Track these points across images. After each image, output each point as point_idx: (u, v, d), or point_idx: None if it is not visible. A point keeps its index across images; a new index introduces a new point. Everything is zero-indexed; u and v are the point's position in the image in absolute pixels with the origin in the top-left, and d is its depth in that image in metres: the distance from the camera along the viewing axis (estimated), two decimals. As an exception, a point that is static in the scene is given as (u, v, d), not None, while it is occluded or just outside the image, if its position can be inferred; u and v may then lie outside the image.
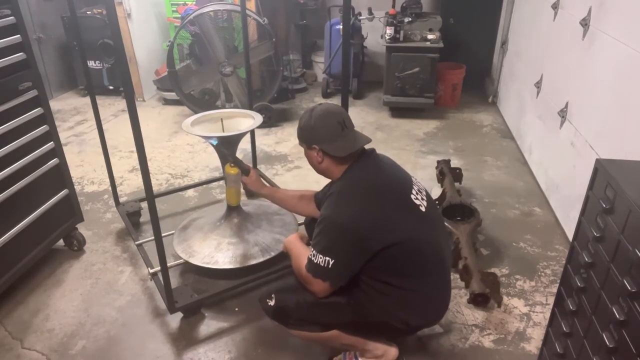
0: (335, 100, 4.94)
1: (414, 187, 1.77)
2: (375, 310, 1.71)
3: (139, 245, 2.54)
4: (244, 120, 2.48)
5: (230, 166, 2.23)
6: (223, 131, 2.45)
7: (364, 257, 1.63)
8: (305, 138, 1.77)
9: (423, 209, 1.73)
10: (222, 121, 2.47)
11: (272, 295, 1.80)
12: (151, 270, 2.29)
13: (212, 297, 2.27)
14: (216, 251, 2.40)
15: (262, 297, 1.84)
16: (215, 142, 2.32)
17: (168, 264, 2.35)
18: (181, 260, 2.42)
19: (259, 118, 2.45)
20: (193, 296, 2.19)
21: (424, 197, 1.78)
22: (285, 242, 1.93)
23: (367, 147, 1.78)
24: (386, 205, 1.66)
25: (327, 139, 1.71)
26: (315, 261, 1.64)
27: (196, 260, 2.37)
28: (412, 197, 1.72)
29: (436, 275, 1.76)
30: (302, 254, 1.75)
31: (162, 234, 2.55)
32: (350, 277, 1.68)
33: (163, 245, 2.00)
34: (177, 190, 3.28)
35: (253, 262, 2.35)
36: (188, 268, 2.51)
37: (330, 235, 1.64)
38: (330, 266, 1.62)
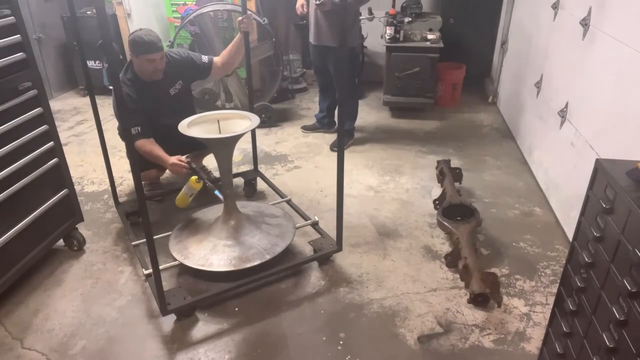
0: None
1: None
2: None
3: (135, 246, 2.54)
4: (240, 122, 2.46)
5: (196, 182, 2.59)
6: (220, 133, 2.44)
7: None
8: None
9: None
10: (218, 122, 2.46)
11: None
12: (145, 272, 2.27)
13: (206, 299, 2.26)
14: (211, 253, 2.38)
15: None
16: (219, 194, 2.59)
17: (164, 265, 2.35)
18: (176, 262, 2.41)
19: (255, 120, 2.43)
20: (186, 298, 2.17)
21: None
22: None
23: None
24: None
25: None
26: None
27: (191, 262, 2.35)
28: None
29: None
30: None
31: (161, 235, 2.55)
32: None
33: (154, 247, 1.98)
34: (176, 190, 3.27)
35: (248, 265, 2.33)
36: (186, 269, 2.50)
37: None
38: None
